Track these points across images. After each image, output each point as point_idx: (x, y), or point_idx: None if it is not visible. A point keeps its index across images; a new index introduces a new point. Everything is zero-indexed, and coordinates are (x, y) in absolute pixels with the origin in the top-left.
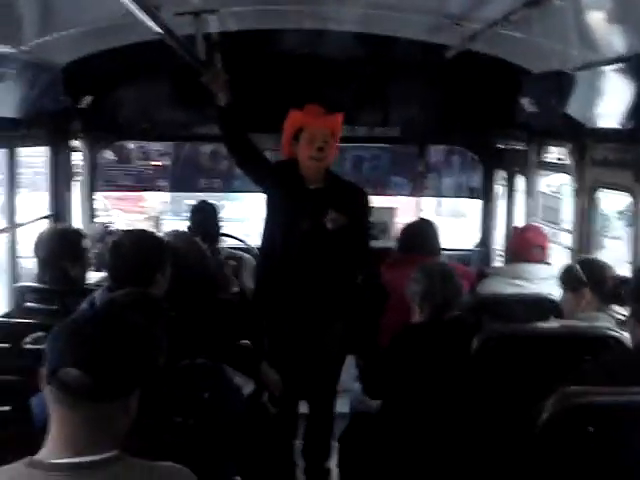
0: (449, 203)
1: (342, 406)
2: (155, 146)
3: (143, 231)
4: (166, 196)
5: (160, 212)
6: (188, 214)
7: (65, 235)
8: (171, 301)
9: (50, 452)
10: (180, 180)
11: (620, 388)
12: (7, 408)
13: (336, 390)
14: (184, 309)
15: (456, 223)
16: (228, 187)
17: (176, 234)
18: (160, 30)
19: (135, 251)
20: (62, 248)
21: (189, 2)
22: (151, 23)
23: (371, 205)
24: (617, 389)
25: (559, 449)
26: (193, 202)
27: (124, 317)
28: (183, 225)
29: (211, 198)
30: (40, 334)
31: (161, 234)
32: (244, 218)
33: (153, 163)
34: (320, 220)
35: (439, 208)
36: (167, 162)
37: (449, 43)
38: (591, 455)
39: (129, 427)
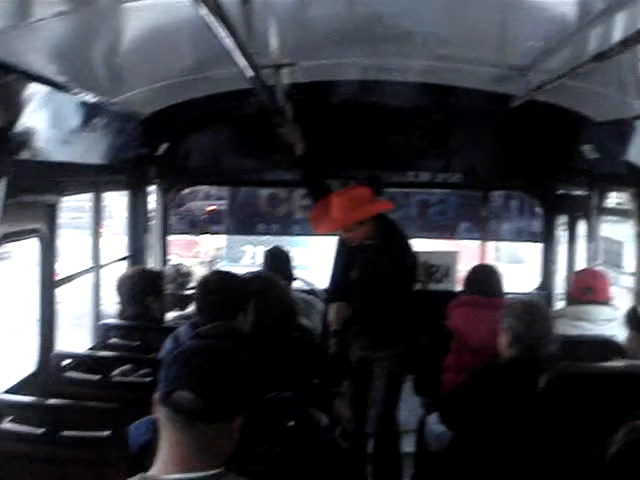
0: (508, 250)
1: (407, 446)
2: (213, 191)
3: (227, 272)
4: (221, 242)
5: (214, 257)
6: (255, 260)
7: (147, 274)
8: (253, 338)
9: (161, 469)
10: (238, 224)
11: None
12: (107, 433)
13: (397, 425)
14: (265, 345)
15: (515, 269)
16: (287, 231)
17: (258, 274)
18: (253, 76)
19: (221, 288)
20: (145, 286)
21: (270, 55)
22: (249, 72)
23: (411, 251)
24: None
25: None
26: (250, 247)
27: (226, 348)
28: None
29: (273, 242)
30: (127, 367)
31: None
32: (307, 265)
33: (210, 208)
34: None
35: (498, 254)
36: (224, 207)
37: (513, 93)
38: None
39: (232, 450)
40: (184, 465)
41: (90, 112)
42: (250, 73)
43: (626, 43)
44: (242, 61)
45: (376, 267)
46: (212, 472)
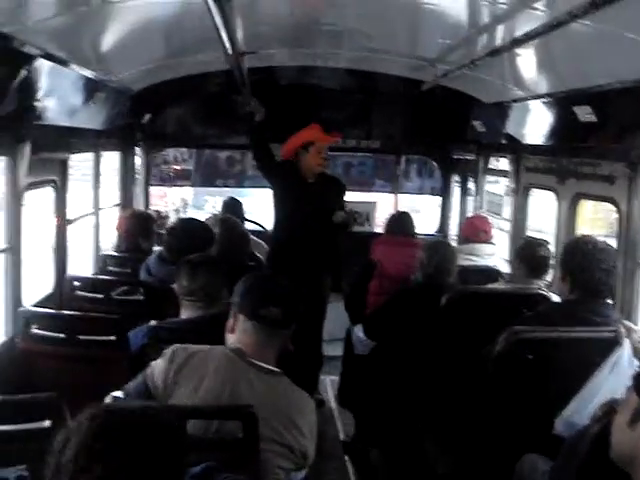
0: (407, 202)
1: (334, 350)
2: (185, 155)
3: (190, 218)
4: (188, 193)
5: (180, 206)
6: (215, 207)
7: (141, 217)
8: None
9: (245, 353)
10: (202, 179)
11: (550, 327)
12: (112, 338)
13: (321, 334)
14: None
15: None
16: (240, 185)
17: (223, 216)
18: (227, 65)
19: (183, 233)
20: (138, 226)
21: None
22: (225, 58)
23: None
24: (548, 328)
25: (508, 373)
26: (211, 198)
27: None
28: (204, 215)
29: (227, 194)
30: (124, 288)
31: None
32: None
33: (178, 167)
34: (318, 204)
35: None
36: (189, 166)
37: (424, 79)
38: (530, 376)
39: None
40: (263, 357)
41: (93, 87)
42: (223, 59)
43: (512, 44)
44: (220, 48)
45: (321, 201)
46: (278, 370)
